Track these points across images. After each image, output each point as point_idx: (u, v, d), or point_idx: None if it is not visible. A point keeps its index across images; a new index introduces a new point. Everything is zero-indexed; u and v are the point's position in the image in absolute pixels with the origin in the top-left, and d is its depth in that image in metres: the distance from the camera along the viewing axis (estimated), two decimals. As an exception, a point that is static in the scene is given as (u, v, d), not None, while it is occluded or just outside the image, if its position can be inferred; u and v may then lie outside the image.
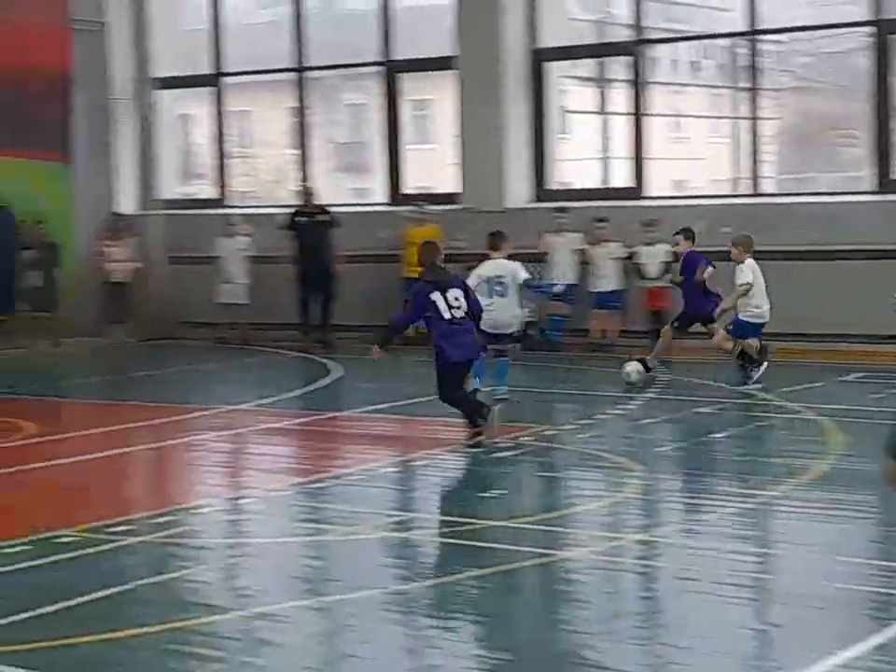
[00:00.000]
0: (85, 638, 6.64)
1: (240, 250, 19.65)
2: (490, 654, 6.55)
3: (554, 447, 11.38)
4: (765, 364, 14.08)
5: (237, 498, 8.61)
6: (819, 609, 7.02)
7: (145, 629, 6.75)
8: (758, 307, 14.13)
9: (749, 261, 14.16)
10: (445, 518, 9.20)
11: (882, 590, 7.35)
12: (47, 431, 12.52)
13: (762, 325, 14.20)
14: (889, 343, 16.18)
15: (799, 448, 11.04)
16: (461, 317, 11.29)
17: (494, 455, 10.97)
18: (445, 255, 12.23)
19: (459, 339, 11.22)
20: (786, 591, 7.44)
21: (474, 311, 11.45)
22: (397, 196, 20.29)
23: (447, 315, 11.21)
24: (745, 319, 14.12)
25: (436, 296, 11.25)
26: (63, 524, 8.79)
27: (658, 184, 20.54)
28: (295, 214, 19.35)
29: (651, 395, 13.87)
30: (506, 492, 9.94)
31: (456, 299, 11.32)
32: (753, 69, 18.44)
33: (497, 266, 13.01)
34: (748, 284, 13.99)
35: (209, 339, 19.43)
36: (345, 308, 18.97)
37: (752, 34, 18.32)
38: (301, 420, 13.03)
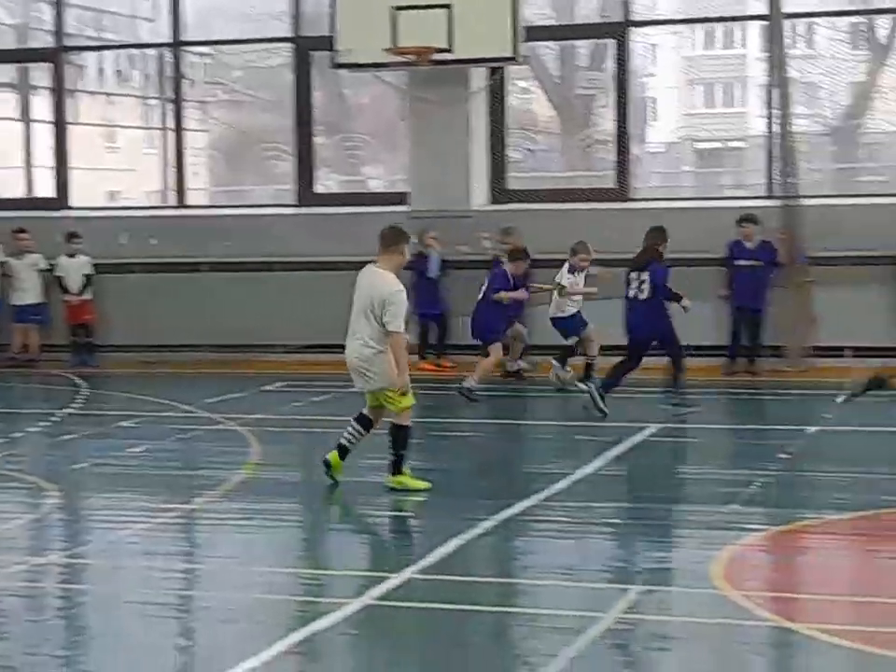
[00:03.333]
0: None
1: None
2: None
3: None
4: None
5: None
6: (233, 621, 7.03)
7: None
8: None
9: None
10: None
11: (295, 597, 7.45)
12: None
13: None
14: (313, 352, 16.64)
15: (219, 459, 11.08)
16: None
17: None
18: None
19: None
20: (203, 605, 7.43)
21: None
22: None
23: None
24: None
25: None
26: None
27: (90, 195, 20.12)
28: None
29: (72, 410, 13.54)
30: None
31: None
32: (180, 80, 18.42)
33: None
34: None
35: None
36: None
37: (178, 45, 18.32)
38: None
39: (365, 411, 9.92)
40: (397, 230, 9.86)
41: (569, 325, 14.41)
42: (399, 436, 9.70)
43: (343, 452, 9.89)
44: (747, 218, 15.36)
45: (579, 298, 14.38)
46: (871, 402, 13.38)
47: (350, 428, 9.89)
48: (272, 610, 7.23)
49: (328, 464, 9.87)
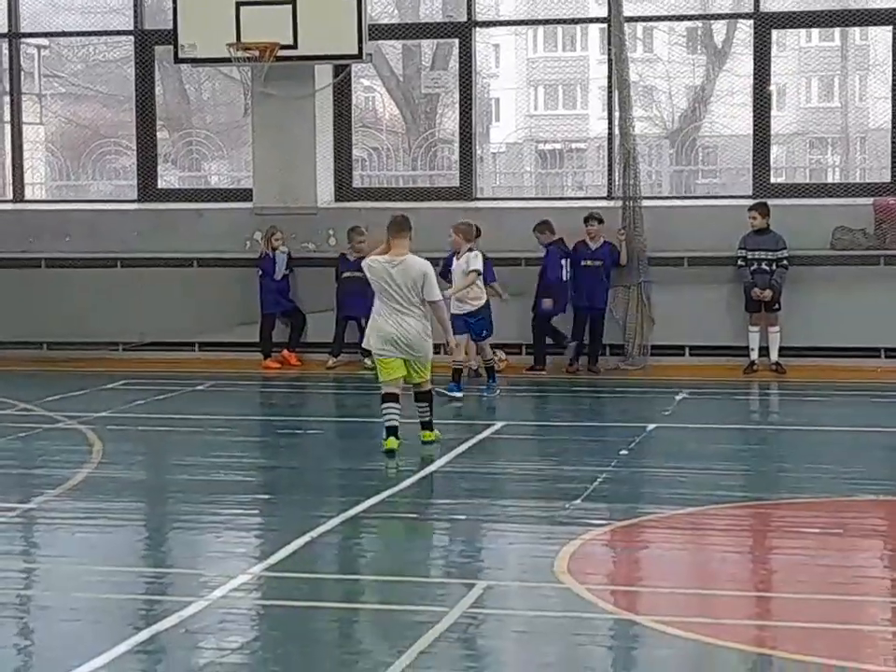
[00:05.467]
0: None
1: None
2: None
3: None
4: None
5: None
6: (75, 621, 6.93)
7: None
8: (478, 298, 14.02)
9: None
10: None
11: (138, 596, 7.36)
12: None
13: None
14: (155, 350, 16.48)
15: (60, 458, 10.90)
16: None
17: None
18: None
19: None
20: (43, 604, 7.30)
21: None
22: None
23: None
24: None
25: None
26: None
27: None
28: None
29: None
30: None
31: None
32: (16, 72, 18.06)
33: None
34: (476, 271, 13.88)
35: None
36: None
37: (14, 36, 17.96)
38: None
39: (397, 389, 11.01)
40: (405, 217, 11.23)
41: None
42: (431, 397, 11.18)
43: (427, 426, 11.20)
44: (592, 217, 15.52)
45: (460, 296, 13.85)
46: (708, 400, 13.73)
47: (419, 407, 11.17)
48: (115, 610, 7.14)
49: (427, 441, 11.16)
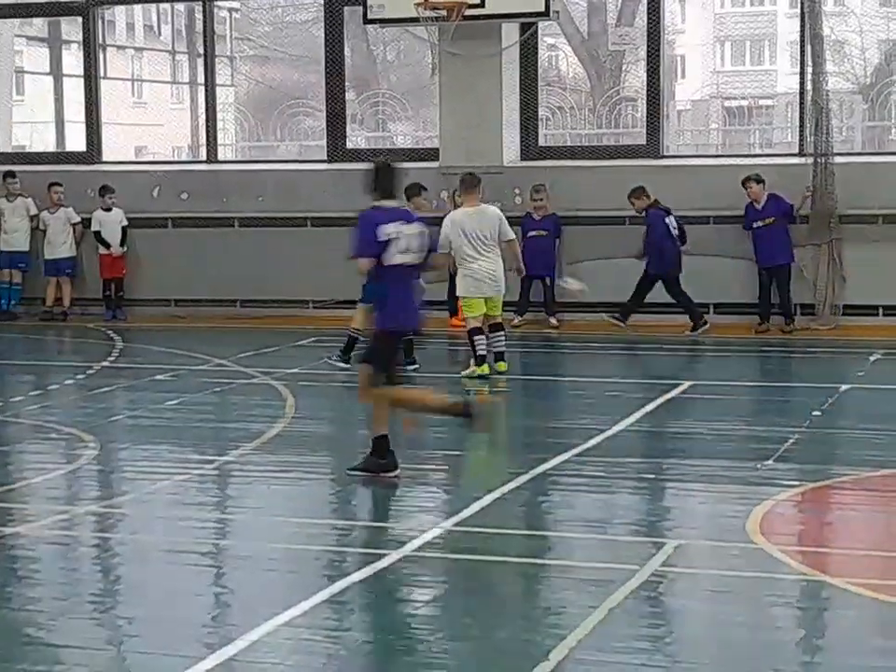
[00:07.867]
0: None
1: None
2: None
3: (4, 420, 10.92)
4: None
5: None
6: (272, 571, 7.11)
7: None
8: None
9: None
10: None
11: (332, 548, 7.52)
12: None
13: None
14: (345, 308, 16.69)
15: (255, 412, 11.15)
16: None
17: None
18: None
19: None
20: (240, 554, 7.51)
21: None
22: None
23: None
24: None
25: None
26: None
27: (117, 149, 20.16)
28: None
29: (107, 363, 13.64)
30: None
31: None
32: (210, 35, 18.40)
33: None
34: None
35: None
36: None
37: (208, 0, 18.30)
38: None
39: (479, 323, 12.43)
40: (475, 175, 12.80)
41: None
42: (504, 327, 12.71)
43: (501, 357, 12.57)
44: (749, 178, 15.25)
45: None
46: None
47: (496, 338, 12.55)
48: (311, 561, 7.29)
49: (502, 371, 12.48)
